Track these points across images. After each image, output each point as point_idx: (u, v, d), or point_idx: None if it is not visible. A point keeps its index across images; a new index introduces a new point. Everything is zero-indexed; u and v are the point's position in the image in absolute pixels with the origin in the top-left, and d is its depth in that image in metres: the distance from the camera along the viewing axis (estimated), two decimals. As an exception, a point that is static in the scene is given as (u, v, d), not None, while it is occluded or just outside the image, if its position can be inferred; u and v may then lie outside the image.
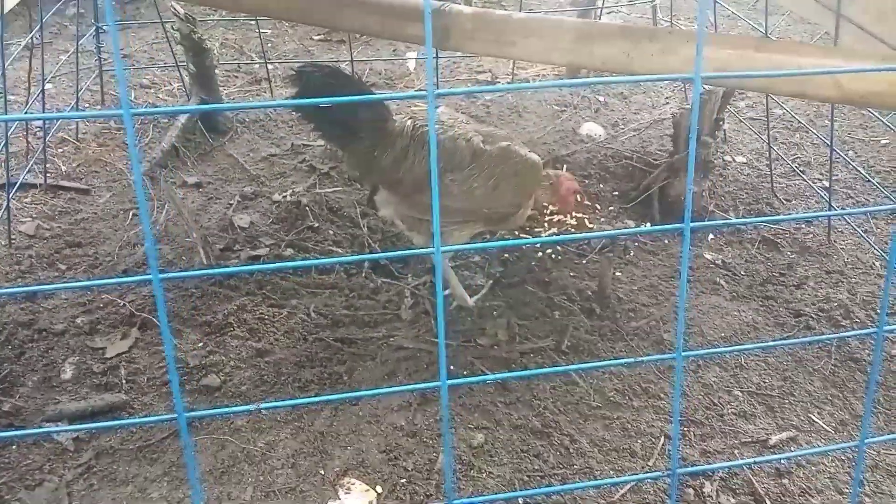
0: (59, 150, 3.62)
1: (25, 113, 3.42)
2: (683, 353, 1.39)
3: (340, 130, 2.52)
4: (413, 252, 1.30)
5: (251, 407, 1.25)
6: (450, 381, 1.36)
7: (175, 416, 1.26)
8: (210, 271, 1.18)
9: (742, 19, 4.19)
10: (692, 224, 1.33)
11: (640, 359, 1.41)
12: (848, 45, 2.53)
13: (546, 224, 3.26)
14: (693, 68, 1.93)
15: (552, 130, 3.85)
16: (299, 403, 2.02)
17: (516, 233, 3.13)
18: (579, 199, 2.95)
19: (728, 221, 1.35)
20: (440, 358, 1.33)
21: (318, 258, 2.97)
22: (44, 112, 3.32)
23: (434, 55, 4.07)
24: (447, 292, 2.67)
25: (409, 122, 2.52)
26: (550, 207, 3.08)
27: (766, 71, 1.86)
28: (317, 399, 1.23)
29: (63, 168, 3.49)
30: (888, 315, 2.66)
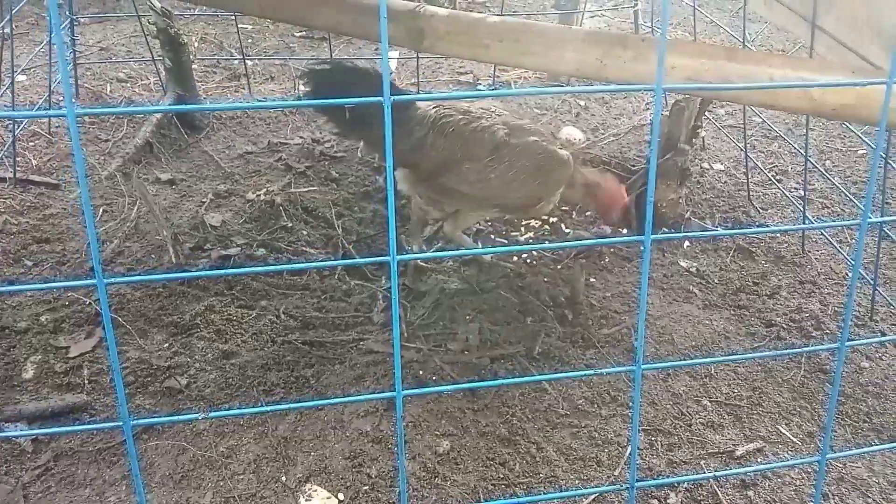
0: (31, 144, 3.56)
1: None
2: (643, 367, 1.38)
3: (358, 123, 2.54)
4: (370, 260, 1.28)
5: (198, 416, 1.23)
6: (405, 391, 1.34)
7: (120, 423, 1.24)
8: (159, 276, 1.15)
9: (723, 28, 4.20)
10: (653, 236, 1.31)
11: (599, 370, 1.40)
12: (822, 54, 2.53)
13: (522, 228, 3.24)
14: (671, 76, 1.92)
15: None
16: (254, 413, 1.99)
17: (493, 236, 3.11)
18: (624, 215, 2.88)
19: (688, 234, 1.33)
20: (396, 368, 1.30)
21: (290, 258, 2.94)
22: (13, 105, 3.26)
23: (415, 55, 4.05)
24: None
25: (431, 111, 2.57)
26: (590, 211, 3.08)
27: (736, 82, 1.85)
28: (268, 409, 1.20)
29: (34, 162, 3.43)
30: (858, 327, 2.66)
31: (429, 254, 2.34)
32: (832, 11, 2.35)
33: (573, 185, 2.77)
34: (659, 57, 1.14)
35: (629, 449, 2.19)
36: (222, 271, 1.48)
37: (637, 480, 1.77)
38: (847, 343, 1.41)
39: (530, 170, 2.59)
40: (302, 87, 2.61)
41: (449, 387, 1.87)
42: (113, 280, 1.12)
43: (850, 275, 2.92)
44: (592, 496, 2.02)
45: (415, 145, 2.55)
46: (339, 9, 2.47)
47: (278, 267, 1.04)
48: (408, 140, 2.54)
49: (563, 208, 3.23)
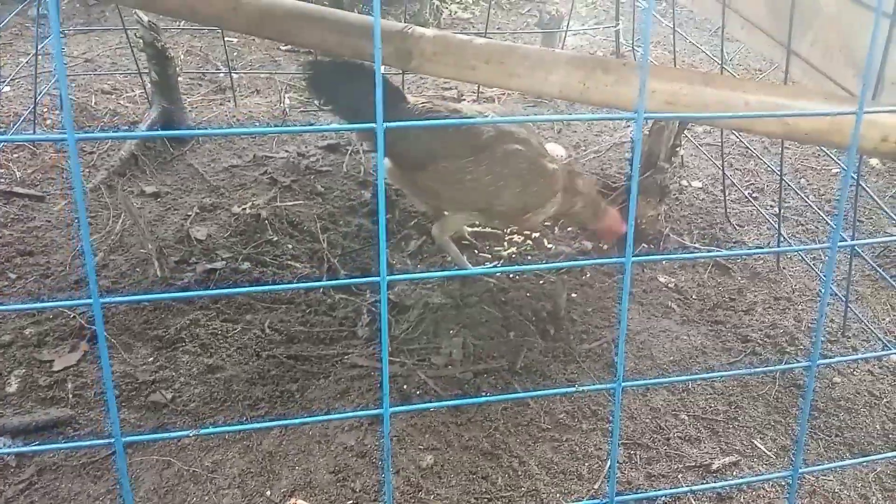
0: (14, 156, 3.56)
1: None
2: (623, 384, 1.43)
3: (355, 114, 2.67)
4: (360, 280, 1.31)
5: (189, 433, 1.25)
6: (392, 409, 1.37)
7: (112, 440, 1.26)
8: (153, 296, 1.18)
9: (701, 49, 4.29)
10: (634, 258, 1.36)
11: (578, 388, 1.44)
12: (798, 77, 2.61)
13: (506, 243, 3.29)
14: (651, 99, 1.98)
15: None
16: (243, 429, 2.00)
17: (476, 251, 3.15)
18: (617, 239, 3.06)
19: (666, 256, 1.39)
20: (383, 385, 1.34)
21: (276, 272, 2.96)
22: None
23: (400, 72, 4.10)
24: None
25: (421, 104, 2.66)
26: (590, 227, 3.16)
27: (713, 107, 1.91)
28: (258, 426, 1.23)
29: (18, 174, 3.43)
30: (830, 343, 2.73)
31: (417, 275, 2.37)
32: (807, 36, 2.43)
33: (574, 199, 2.82)
34: (641, 84, 1.19)
35: (609, 463, 2.23)
36: (218, 291, 1.50)
37: (616, 494, 1.82)
38: (819, 361, 1.47)
39: (510, 177, 2.62)
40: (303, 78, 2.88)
41: (435, 404, 1.91)
42: (109, 300, 1.14)
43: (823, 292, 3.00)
44: (573, 509, 2.06)
45: (399, 135, 2.58)
46: (325, 28, 2.51)
47: (273, 287, 1.07)
48: (395, 130, 2.61)
49: (560, 221, 3.27)
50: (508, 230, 3.30)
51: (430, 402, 2.36)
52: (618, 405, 1.39)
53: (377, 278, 1.26)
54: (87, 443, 1.23)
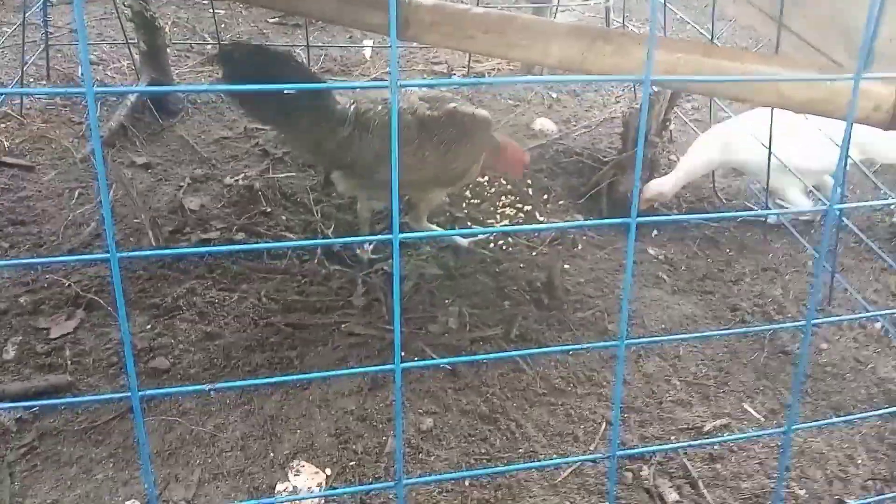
0: (2, 126, 3.51)
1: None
2: (626, 342, 1.47)
3: (277, 115, 2.50)
4: (373, 238, 1.33)
5: (204, 387, 1.27)
6: (403, 365, 1.40)
7: (128, 393, 1.27)
8: (167, 251, 1.19)
9: (690, 24, 4.32)
10: (638, 219, 1.40)
11: (584, 346, 1.48)
12: (789, 52, 2.65)
13: (498, 216, 3.32)
14: (644, 70, 2.01)
15: (506, 125, 3.91)
16: (252, 384, 2.02)
17: (469, 223, 3.18)
18: (525, 168, 3.05)
19: (671, 218, 1.42)
20: (395, 342, 1.36)
21: (270, 243, 2.96)
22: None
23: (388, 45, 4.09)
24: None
25: (351, 107, 2.55)
26: (497, 172, 3.17)
27: (712, 75, 1.95)
28: (270, 380, 1.25)
29: (6, 144, 3.38)
30: (817, 311, 2.81)
31: (429, 233, 2.39)
32: (798, 11, 2.47)
33: (492, 143, 2.83)
34: (649, 50, 1.21)
35: (603, 426, 2.29)
36: (234, 247, 1.51)
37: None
38: (813, 321, 1.52)
39: (460, 136, 2.63)
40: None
41: (444, 360, 1.94)
42: (126, 254, 1.15)
43: (809, 263, 3.07)
44: (571, 467, 2.11)
45: (342, 144, 2.51)
46: (324, -3, 2.50)
47: (283, 244, 1.09)
48: (333, 139, 2.50)
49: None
50: (500, 203, 3.33)
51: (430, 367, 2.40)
52: (621, 363, 1.44)
53: (390, 236, 1.29)
54: (103, 396, 1.25)
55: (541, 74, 4.28)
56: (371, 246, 2.93)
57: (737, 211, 3.35)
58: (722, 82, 1.96)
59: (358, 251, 2.92)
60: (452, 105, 2.65)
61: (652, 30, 1.20)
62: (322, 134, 2.53)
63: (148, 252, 1.43)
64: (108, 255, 1.21)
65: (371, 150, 2.54)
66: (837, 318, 2.60)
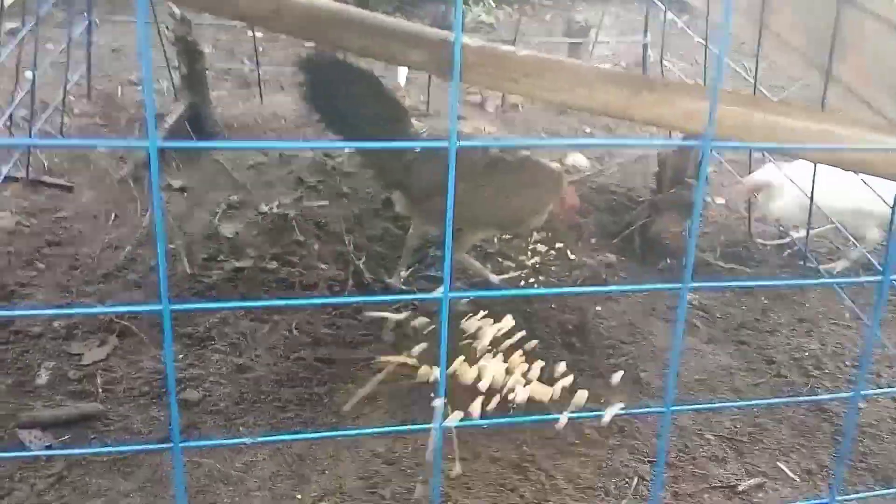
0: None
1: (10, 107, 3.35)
2: (672, 408, 1.43)
3: (354, 130, 2.55)
4: (422, 297, 1.32)
5: (246, 440, 1.25)
6: (446, 424, 1.38)
7: (170, 445, 1.26)
8: (214, 305, 1.18)
9: (730, 64, 4.29)
10: (691, 283, 1.37)
11: (629, 411, 1.45)
12: (833, 102, 2.61)
13: (529, 251, 3.29)
14: (692, 121, 1.97)
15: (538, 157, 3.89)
16: (287, 439, 1.99)
17: (500, 259, 3.16)
18: (577, 213, 3.09)
19: (723, 284, 1.40)
20: (440, 399, 1.34)
21: (302, 273, 2.96)
22: (32, 105, 3.26)
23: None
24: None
25: (423, 132, 2.63)
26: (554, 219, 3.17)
27: (757, 135, 1.92)
28: (305, 436, 1.24)
29: (45, 163, 3.43)
30: (854, 368, 2.74)
31: (477, 293, 2.39)
32: (847, 62, 2.44)
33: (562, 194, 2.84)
34: (711, 111, 1.19)
35: (635, 480, 2.24)
36: (283, 301, 1.50)
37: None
38: (862, 392, 1.48)
39: (529, 185, 2.64)
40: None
41: (490, 421, 1.92)
42: (179, 307, 1.14)
43: (846, 315, 3.01)
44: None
45: (406, 166, 2.57)
46: (368, 33, 2.51)
47: (327, 300, 1.08)
48: (399, 161, 2.57)
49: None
50: (531, 240, 3.31)
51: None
52: (666, 430, 1.40)
53: (440, 295, 1.28)
54: (147, 447, 1.24)
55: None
56: (406, 273, 2.93)
57: (793, 279, 3.21)
58: (794, 150, 1.93)
59: (387, 279, 2.91)
60: (526, 153, 2.65)
61: (715, 87, 1.17)
62: (390, 154, 2.56)
63: (198, 305, 1.45)
64: (160, 306, 1.21)
65: (431, 176, 2.56)
66: (887, 390, 2.54)
